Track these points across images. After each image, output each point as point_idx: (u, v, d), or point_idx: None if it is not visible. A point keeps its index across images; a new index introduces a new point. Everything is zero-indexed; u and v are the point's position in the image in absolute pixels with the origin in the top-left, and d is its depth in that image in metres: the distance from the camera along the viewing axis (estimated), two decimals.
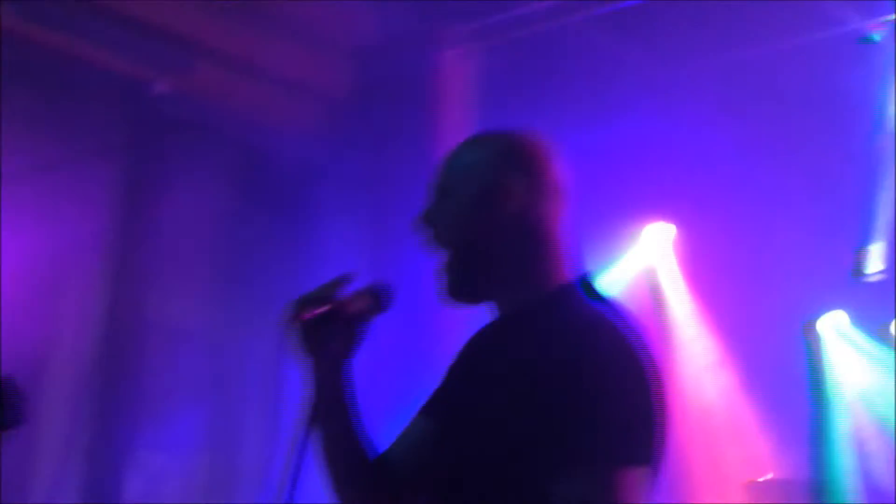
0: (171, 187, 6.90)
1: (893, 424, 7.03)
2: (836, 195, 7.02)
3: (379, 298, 2.24)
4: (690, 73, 7.40)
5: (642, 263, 8.19)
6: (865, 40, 6.55)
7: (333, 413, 2.23)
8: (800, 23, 6.78)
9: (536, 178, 2.22)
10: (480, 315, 2.23)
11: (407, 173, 7.13)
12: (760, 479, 7.17)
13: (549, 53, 7.08)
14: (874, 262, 6.82)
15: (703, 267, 7.56)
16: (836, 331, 7.45)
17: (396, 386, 6.28)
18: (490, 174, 2.21)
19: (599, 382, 1.96)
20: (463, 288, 2.21)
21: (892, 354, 7.28)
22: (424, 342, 6.81)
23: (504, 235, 2.19)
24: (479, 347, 2.30)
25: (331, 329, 2.21)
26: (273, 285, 7.28)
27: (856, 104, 6.84)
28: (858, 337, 7.48)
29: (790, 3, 6.55)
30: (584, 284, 2.20)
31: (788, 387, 7.27)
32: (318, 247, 7.41)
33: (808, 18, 6.74)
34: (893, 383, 7.20)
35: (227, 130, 7.18)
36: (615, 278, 7.99)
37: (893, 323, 7.23)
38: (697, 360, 7.68)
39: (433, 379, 2.33)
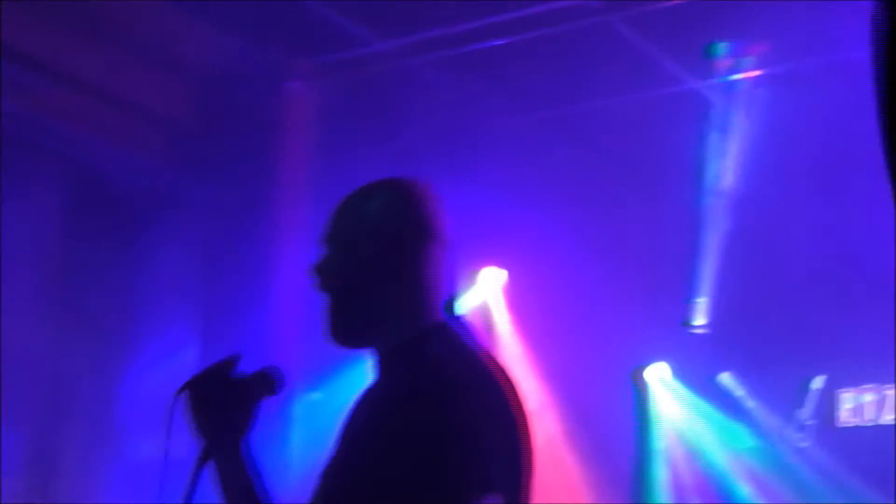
0: (4, 207, 6.65)
1: (712, 471, 7.22)
2: (665, 248, 7.17)
3: (273, 381, 2.29)
4: (529, 121, 7.44)
5: (476, 306, 8.16)
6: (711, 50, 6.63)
7: (231, 489, 2.26)
8: (635, 80, 6.90)
9: (419, 227, 2.27)
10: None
11: (246, 203, 7.20)
12: None
13: (392, 92, 7.11)
14: (698, 315, 7.05)
15: (533, 313, 7.64)
16: (660, 380, 7.56)
17: None
18: (374, 223, 2.26)
19: (444, 424, 1.99)
20: (343, 333, 2.24)
21: (714, 405, 7.40)
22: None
23: (383, 282, 2.24)
24: (360, 397, 2.34)
25: (226, 406, 2.26)
26: (104, 310, 7.15)
27: (685, 161, 7.03)
28: (681, 387, 7.59)
29: (629, 59, 6.68)
30: (450, 327, 2.24)
31: (613, 434, 7.35)
32: (152, 272, 7.28)
33: (643, 76, 6.86)
34: (714, 433, 7.39)
35: (68, 152, 7.01)
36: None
37: (724, 375, 7.36)
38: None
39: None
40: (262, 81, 7.08)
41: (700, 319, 7.13)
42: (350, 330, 2.27)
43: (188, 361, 7.48)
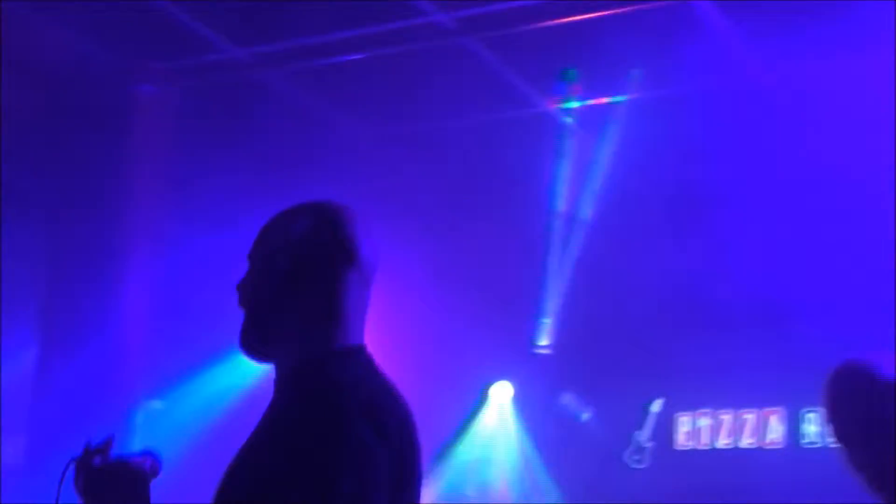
0: None
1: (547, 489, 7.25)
2: (514, 269, 7.19)
3: (156, 465, 2.32)
4: (379, 137, 7.38)
5: None
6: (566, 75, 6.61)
7: None
8: (488, 100, 6.88)
9: (337, 249, 2.29)
10: None
11: (92, 205, 7.01)
12: None
13: (245, 100, 7.03)
14: (543, 336, 7.10)
15: (379, 331, 7.54)
16: (503, 399, 7.56)
17: None
18: (292, 242, 2.30)
19: (331, 453, 2.02)
20: (250, 345, 2.29)
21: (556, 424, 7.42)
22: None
23: (294, 299, 2.26)
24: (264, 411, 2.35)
25: (112, 486, 2.26)
26: None
27: (536, 184, 7.01)
28: (522, 406, 7.58)
29: (483, 80, 6.66)
30: (360, 352, 2.27)
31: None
32: None
33: (496, 97, 6.84)
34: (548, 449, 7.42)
35: None
36: None
37: (566, 396, 7.34)
38: None
39: None
40: (112, 84, 6.97)
41: (545, 340, 7.15)
42: (257, 343, 2.29)
43: (27, 362, 7.32)
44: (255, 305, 2.31)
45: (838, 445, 2.70)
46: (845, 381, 2.78)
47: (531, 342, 7.24)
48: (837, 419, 2.76)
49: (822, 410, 2.82)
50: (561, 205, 7.08)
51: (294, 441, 2.05)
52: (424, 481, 2.20)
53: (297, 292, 2.29)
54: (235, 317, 2.32)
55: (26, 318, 7.35)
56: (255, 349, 2.30)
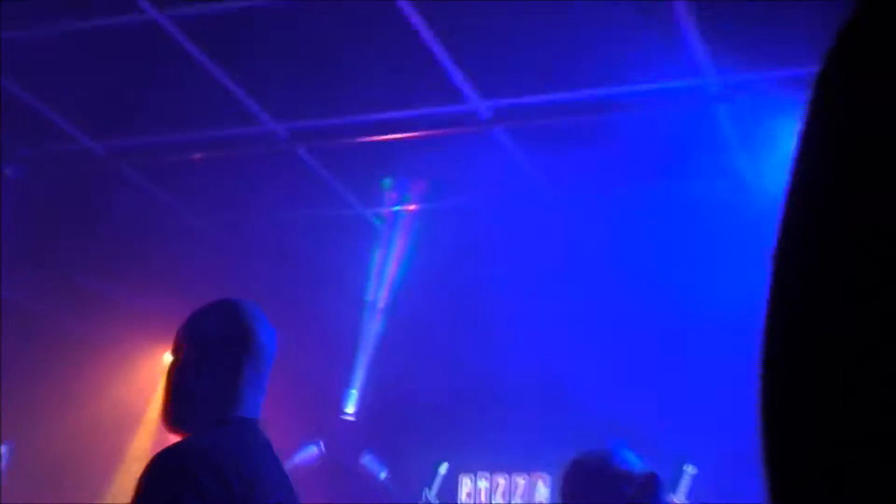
0: None
1: None
2: (328, 347, 7.41)
3: None
4: (212, 224, 7.40)
5: None
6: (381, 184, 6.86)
7: None
8: (312, 199, 7.04)
9: (234, 338, 2.60)
10: None
11: None
12: None
13: (96, 187, 7.04)
14: (351, 404, 7.46)
15: None
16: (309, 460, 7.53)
17: None
18: (199, 334, 2.62)
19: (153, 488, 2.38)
20: (165, 419, 2.62)
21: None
22: None
23: (196, 380, 2.57)
24: None
25: None
26: None
27: (349, 275, 7.23)
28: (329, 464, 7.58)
29: (308, 182, 6.83)
30: (241, 422, 2.57)
31: None
32: None
33: (319, 197, 7.01)
34: None
35: None
36: None
37: (366, 456, 7.45)
38: None
39: None
40: None
41: (351, 408, 7.40)
42: (169, 417, 2.60)
43: None
44: (171, 388, 2.62)
45: None
46: (580, 470, 2.91)
47: (340, 410, 7.40)
48: (573, 501, 2.90)
49: (561, 493, 2.95)
50: (370, 294, 7.23)
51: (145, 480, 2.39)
52: None
53: (198, 376, 2.57)
54: None
55: None
56: (168, 423, 2.61)
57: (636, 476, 2.86)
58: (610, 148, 6.05)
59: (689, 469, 6.42)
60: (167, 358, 7.64)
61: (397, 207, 7.04)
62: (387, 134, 6.33)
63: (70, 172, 7.04)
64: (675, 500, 6.35)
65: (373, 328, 7.32)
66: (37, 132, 6.70)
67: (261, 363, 2.61)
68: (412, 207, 7.02)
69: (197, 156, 6.71)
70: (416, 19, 5.32)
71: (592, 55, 5.50)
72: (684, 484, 6.45)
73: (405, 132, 6.29)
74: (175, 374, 2.62)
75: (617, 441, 2.99)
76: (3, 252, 6.81)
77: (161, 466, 2.40)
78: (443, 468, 7.25)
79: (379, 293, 7.24)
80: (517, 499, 7.52)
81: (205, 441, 2.49)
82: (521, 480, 7.52)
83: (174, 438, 2.64)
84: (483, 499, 7.63)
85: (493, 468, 7.60)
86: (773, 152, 5.49)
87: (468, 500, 7.64)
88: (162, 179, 7.09)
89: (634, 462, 2.91)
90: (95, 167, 6.99)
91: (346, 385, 7.44)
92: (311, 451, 7.46)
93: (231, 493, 2.38)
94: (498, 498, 7.57)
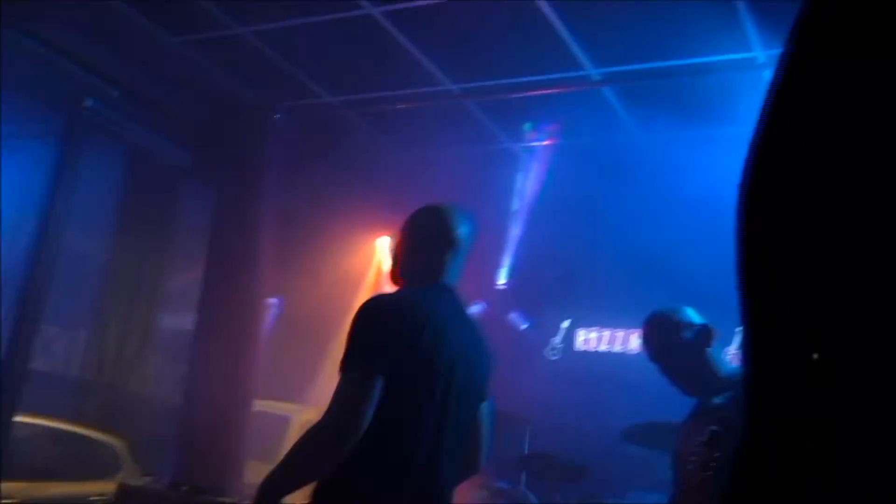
0: (82, 163, 6.66)
1: None
2: (489, 240, 7.21)
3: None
4: (409, 157, 7.60)
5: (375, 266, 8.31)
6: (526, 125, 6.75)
7: None
8: (475, 138, 7.25)
9: (429, 235, 2.60)
10: None
11: (241, 188, 7.13)
12: None
13: (333, 131, 7.25)
14: (501, 278, 7.58)
15: None
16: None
17: None
18: (415, 231, 2.61)
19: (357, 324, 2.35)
20: (392, 283, 2.62)
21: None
22: None
23: (412, 258, 2.60)
24: None
25: None
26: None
27: (498, 195, 7.39)
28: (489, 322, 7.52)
29: (472, 126, 7.02)
30: (437, 288, 2.54)
31: None
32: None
33: (481, 136, 7.25)
34: None
35: (130, 136, 7.09)
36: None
37: (513, 314, 7.46)
38: None
39: None
40: (254, 112, 7.23)
41: (502, 280, 7.68)
42: (393, 281, 2.62)
43: None
44: (394, 263, 2.65)
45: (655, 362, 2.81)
46: (654, 319, 2.89)
47: (495, 281, 7.70)
48: (649, 345, 2.88)
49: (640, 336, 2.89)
50: (515, 205, 7.53)
51: (353, 320, 2.37)
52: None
53: (412, 256, 2.60)
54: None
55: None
56: (394, 285, 2.62)
57: (694, 325, 2.84)
58: (686, 103, 6.11)
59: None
60: (379, 242, 8.41)
61: (536, 143, 7.16)
62: (529, 91, 6.47)
63: (315, 118, 7.38)
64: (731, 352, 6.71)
65: (517, 228, 7.56)
66: (291, 89, 7.07)
67: (459, 250, 2.58)
68: (546, 143, 7.12)
69: (401, 106, 7.01)
70: (542, 3, 5.42)
71: (671, 35, 5.56)
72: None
73: (541, 90, 6.44)
74: (397, 251, 2.64)
75: (687, 303, 2.91)
76: (276, 171, 7.23)
77: (363, 309, 2.37)
78: (565, 323, 7.51)
79: (522, 204, 7.43)
80: (617, 347, 7.52)
81: (404, 293, 2.51)
82: (619, 334, 7.53)
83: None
84: (592, 347, 7.64)
85: (601, 324, 7.61)
86: None
87: (583, 347, 7.67)
88: (376, 123, 7.37)
89: (695, 316, 2.88)
90: (332, 115, 7.33)
91: (498, 265, 7.75)
92: (477, 308, 7.74)
93: (419, 336, 2.34)
94: (604, 346, 7.60)
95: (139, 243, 7.79)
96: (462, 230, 2.59)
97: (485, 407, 2.57)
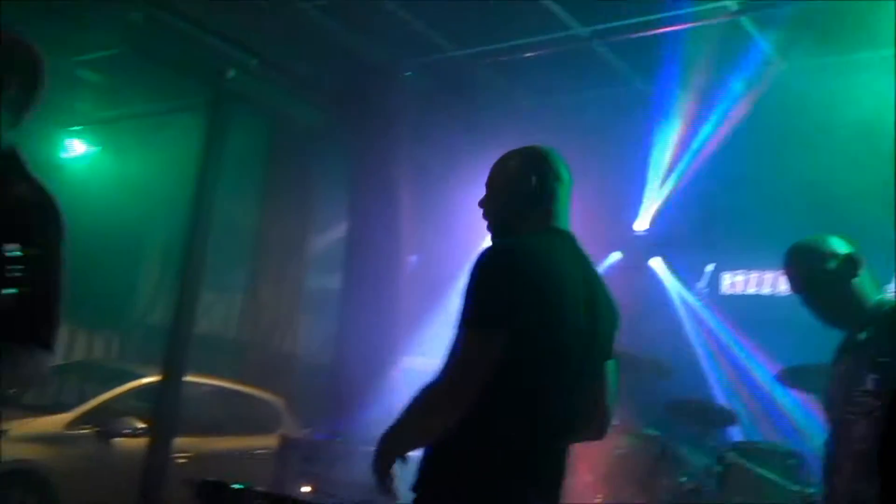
0: (228, 134, 6.75)
1: None
2: (624, 183, 7.40)
3: None
4: (540, 104, 7.54)
5: None
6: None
7: None
8: (603, 82, 7.13)
9: (538, 177, 2.43)
10: None
11: (379, 143, 7.39)
12: None
13: (463, 85, 7.32)
14: (639, 223, 7.43)
15: None
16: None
17: None
18: (510, 177, 2.44)
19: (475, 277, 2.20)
20: (495, 235, 2.44)
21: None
22: None
23: (512, 208, 2.43)
24: None
25: None
26: None
27: (632, 144, 7.29)
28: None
29: (588, 64, 6.89)
30: (547, 233, 2.40)
31: None
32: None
33: (610, 80, 7.16)
34: None
35: (270, 103, 7.32)
36: None
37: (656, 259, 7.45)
38: None
39: None
40: (385, 71, 7.46)
41: (641, 225, 7.59)
42: (495, 235, 2.44)
43: None
44: (492, 215, 2.46)
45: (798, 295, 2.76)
46: (798, 248, 2.83)
47: (632, 228, 7.70)
48: (793, 275, 2.82)
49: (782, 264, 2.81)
50: (651, 149, 7.27)
51: (472, 272, 2.21)
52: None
53: (519, 203, 2.42)
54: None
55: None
56: (496, 234, 2.45)
57: (840, 254, 2.77)
58: (829, 29, 6.06)
59: None
60: None
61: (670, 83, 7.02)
62: (661, 28, 6.46)
63: (444, 73, 7.56)
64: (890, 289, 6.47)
65: (654, 172, 7.47)
66: (420, 46, 7.29)
67: (567, 192, 2.45)
68: (676, 86, 7.04)
69: (529, 54, 7.09)
70: None
71: None
72: None
73: (674, 26, 6.36)
74: (499, 199, 2.47)
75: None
76: (409, 128, 7.39)
77: (482, 259, 2.22)
78: (709, 267, 7.12)
79: (658, 147, 7.32)
80: (766, 289, 7.42)
81: (523, 241, 2.37)
82: (768, 276, 7.41)
83: None
84: (739, 290, 7.55)
85: (747, 266, 7.51)
86: None
87: (729, 290, 7.59)
88: (504, 74, 7.46)
89: (841, 245, 2.80)
90: (461, 68, 7.45)
91: (635, 212, 7.70)
92: (616, 256, 7.83)
93: (542, 288, 2.22)
94: (751, 288, 7.52)
95: (284, 208, 8.11)
96: (566, 171, 2.47)
97: (610, 366, 2.42)
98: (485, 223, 2.44)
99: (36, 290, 1.91)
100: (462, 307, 2.14)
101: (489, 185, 2.47)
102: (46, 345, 2.02)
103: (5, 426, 6.34)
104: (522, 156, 2.47)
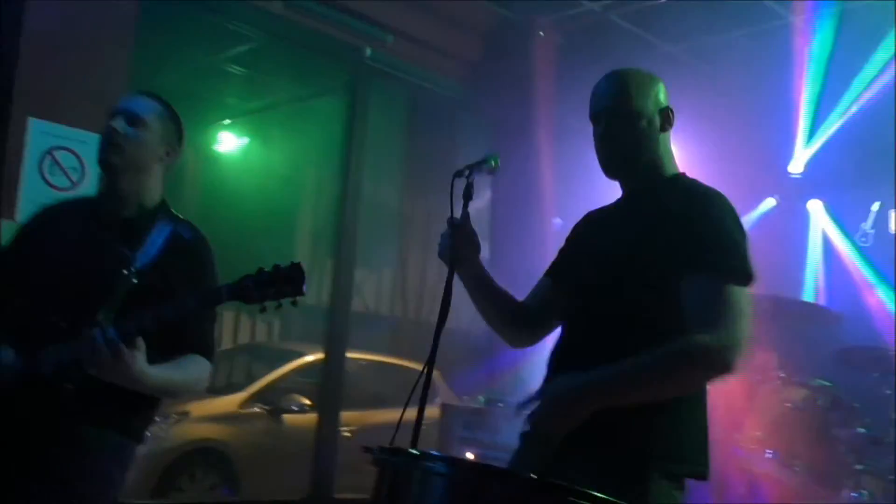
0: (369, 113, 6.90)
1: None
2: (778, 122, 7.07)
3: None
4: (684, 49, 7.29)
5: None
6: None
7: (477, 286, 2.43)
8: (751, 20, 6.78)
9: (665, 104, 2.27)
10: None
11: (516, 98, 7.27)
12: None
13: (601, 39, 7.13)
14: (795, 166, 7.17)
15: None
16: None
17: None
18: (643, 102, 2.27)
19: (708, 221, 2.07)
20: (617, 168, 2.29)
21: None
22: None
23: (641, 138, 2.26)
24: (609, 219, 2.35)
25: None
26: None
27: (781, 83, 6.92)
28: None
29: (727, 2, 6.51)
30: (678, 176, 2.29)
31: None
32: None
33: (741, 16, 6.77)
34: None
35: (408, 79, 7.35)
36: None
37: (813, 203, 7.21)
38: None
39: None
40: (522, 35, 7.41)
41: (796, 168, 7.32)
42: (625, 167, 2.30)
43: None
44: (622, 145, 2.27)
45: None
46: None
47: (787, 171, 7.41)
48: None
49: None
50: (802, 87, 6.95)
51: (716, 217, 2.05)
52: None
53: (656, 136, 2.27)
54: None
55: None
56: (622, 172, 2.29)
57: None
58: None
59: None
60: None
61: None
62: None
63: (579, 28, 7.42)
64: None
65: (806, 110, 7.13)
66: (552, 2, 7.29)
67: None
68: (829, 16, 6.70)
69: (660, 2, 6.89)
70: None
71: None
72: None
73: None
74: (625, 133, 2.33)
75: None
76: (548, 89, 7.28)
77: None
78: (875, 206, 7.10)
79: (811, 83, 6.95)
80: None
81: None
82: None
83: None
84: None
85: None
86: None
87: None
88: (640, 22, 7.28)
89: None
90: (595, 21, 7.29)
91: (788, 154, 7.40)
92: (770, 203, 7.58)
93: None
94: None
95: (427, 182, 8.24)
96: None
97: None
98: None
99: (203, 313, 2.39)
100: (712, 253, 2.00)
101: (616, 107, 2.26)
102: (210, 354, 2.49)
103: (186, 408, 6.82)
104: (651, 75, 2.32)
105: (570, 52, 7.41)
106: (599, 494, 1.56)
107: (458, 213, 2.29)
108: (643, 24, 7.27)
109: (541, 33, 7.38)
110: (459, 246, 2.32)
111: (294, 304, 2.24)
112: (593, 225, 2.38)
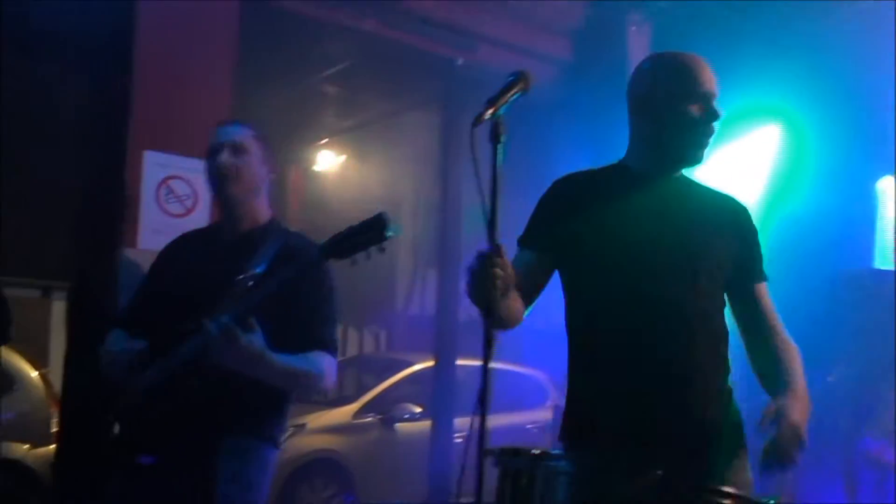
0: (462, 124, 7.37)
1: None
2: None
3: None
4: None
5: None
6: None
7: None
8: None
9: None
10: None
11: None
12: None
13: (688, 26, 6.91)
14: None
15: None
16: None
17: None
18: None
19: None
20: (700, 153, 2.30)
21: None
22: None
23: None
24: (643, 201, 2.29)
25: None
26: None
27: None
28: None
29: None
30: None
31: None
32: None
33: None
34: None
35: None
36: None
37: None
38: None
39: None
40: (615, 31, 7.28)
41: None
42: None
43: None
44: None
45: None
46: None
47: None
48: None
49: None
50: None
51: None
52: None
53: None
54: None
55: None
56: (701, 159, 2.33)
57: None
58: None
59: None
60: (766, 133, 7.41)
61: None
62: None
63: (670, 18, 7.21)
64: None
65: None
66: None
67: None
68: None
69: None
70: None
71: None
72: None
73: None
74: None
75: None
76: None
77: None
78: None
79: None
80: None
81: None
82: None
83: None
84: None
85: None
86: None
87: None
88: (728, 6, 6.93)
89: None
90: (685, 7, 7.03)
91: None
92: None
93: None
94: None
95: (526, 185, 8.03)
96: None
97: None
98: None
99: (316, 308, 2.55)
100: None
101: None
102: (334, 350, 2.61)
103: (302, 420, 7.04)
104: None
105: (665, 42, 7.01)
106: (727, 489, 1.64)
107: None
108: (736, 7, 7.03)
109: (633, 28, 7.33)
110: (492, 285, 1.81)
111: (382, 250, 2.25)
112: (607, 199, 2.27)
